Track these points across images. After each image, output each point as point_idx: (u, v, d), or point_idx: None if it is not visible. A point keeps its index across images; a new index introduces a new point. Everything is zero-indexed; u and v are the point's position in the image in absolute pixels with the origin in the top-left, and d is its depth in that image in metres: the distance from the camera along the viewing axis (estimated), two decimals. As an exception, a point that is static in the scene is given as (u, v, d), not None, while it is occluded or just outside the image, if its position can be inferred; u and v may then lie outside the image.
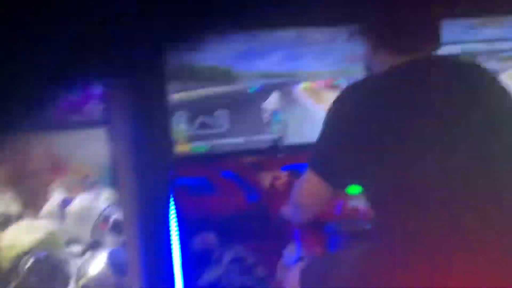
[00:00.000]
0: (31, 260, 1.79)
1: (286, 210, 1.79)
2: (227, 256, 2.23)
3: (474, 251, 1.24)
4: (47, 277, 1.76)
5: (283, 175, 2.30)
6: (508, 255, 1.26)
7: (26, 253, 1.81)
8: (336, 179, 1.38)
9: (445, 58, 1.43)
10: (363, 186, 1.40)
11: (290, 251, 1.95)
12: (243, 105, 2.55)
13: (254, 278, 2.26)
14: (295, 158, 2.43)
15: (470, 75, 1.37)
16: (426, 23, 1.37)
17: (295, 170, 2.39)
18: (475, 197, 1.27)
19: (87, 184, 2.44)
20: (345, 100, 1.38)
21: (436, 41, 1.38)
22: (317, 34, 2.53)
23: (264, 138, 2.55)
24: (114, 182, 2.69)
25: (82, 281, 1.69)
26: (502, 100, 1.36)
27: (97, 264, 1.73)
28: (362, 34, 1.45)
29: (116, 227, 2.21)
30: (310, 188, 1.41)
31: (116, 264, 1.72)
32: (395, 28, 1.37)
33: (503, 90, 1.37)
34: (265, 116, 2.58)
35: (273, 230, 2.24)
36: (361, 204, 1.85)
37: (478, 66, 1.44)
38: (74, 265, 1.91)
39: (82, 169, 2.51)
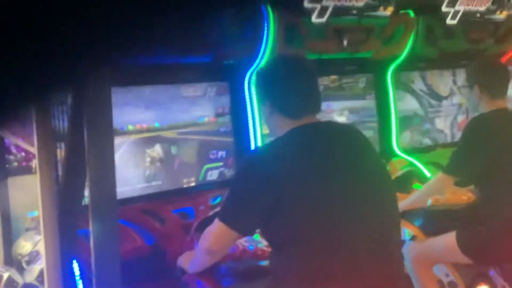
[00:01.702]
0: None
1: (185, 259, 1.93)
2: (127, 300, 2.31)
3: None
4: None
5: (175, 218, 2.48)
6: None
7: None
8: (242, 227, 1.63)
9: (330, 122, 1.80)
10: (264, 231, 1.66)
11: None
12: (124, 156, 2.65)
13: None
14: (181, 202, 2.63)
15: (348, 134, 1.72)
16: (314, 92, 1.69)
17: (185, 212, 2.59)
18: (365, 237, 1.54)
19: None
20: (252, 162, 1.65)
21: (320, 106, 1.71)
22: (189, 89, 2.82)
23: (151, 185, 2.69)
24: None
25: None
26: (373, 151, 1.74)
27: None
28: (261, 101, 1.74)
29: (10, 285, 2.17)
30: (221, 237, 1.63)
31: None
32: (287, 97, 1.65)
33: (370, 144, 1.74)
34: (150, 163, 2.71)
35: (169, 269, 2.39)
36: (249, 245, 2.10)
37: (350, 126, 1.85)
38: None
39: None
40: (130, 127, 2.68)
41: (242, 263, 1.97)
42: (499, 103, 2.53)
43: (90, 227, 1.57)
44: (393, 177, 3.04)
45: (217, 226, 1.63)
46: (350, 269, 1.52)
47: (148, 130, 2.71)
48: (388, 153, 3.54)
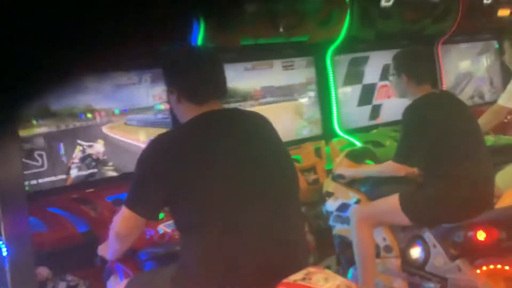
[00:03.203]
0: None
1: (104, 247, 1.96)
2: (61, 287, 2.39)
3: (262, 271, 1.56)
4: None
5: (109, 205, 2.54)
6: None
7: None
8: (145, 212, 1.67)
9: (235, 109, 1.84)
10: (171, 214, 1.71)
11: (113, 282, 2.16)
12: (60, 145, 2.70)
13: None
14: (117, 188, 2.68)
15: (250, 120, 1.77)
16: (216, 78, 1.74)
17: (119, 199, 2.65)
18: (263, 216, 1.61)
19: None
20: (153, 148, 1.68)
21: (225, 92, 1.77)
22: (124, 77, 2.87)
23: (83, 173, 2.75)
24: None
25: None
26: (275, 135, 1.78)
27: None
28: (167, 89, 1.77)
29: None
30: (127, 222, 1.68)
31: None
32: (193, 84, 1.71)
33: (273, 128, 1.80)
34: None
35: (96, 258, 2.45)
36: (168, 228, 2.17)
37: (254, 113, 1.84)
38: None
39: None
40: (89, 115, 2.74)
41: (161, 247, 2.04)
42: (425, 88, 2.68)
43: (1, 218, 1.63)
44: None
45: (122, 211, 1.69)
46: (249, 250, 1.59)
47: (107, 115, 2.78)
48: (330, 134, 3.64)
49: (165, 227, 2.09)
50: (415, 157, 2.61)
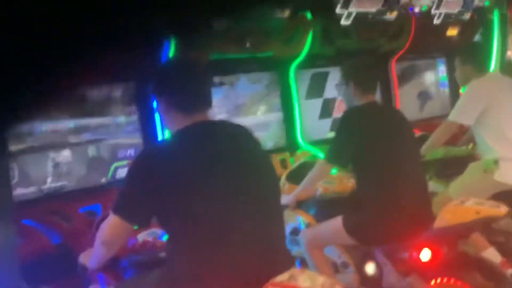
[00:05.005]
0: None
1: (86, 256, 1.97)
2: (35, 299, 2.37)
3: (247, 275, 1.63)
4: None
5: (82, 216, 2.56)
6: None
7: None
8: (134, 219, 1.72)
9: (224, 120, 1.95)
10: (158, 221, 1.76)
11: None
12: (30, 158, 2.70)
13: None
14: (89, 200, 2.71)
15: (236, 132, 1.86)
16: (206, 89, 1.82)
17: (92, 210, 2.67)
18: (250, 225, 1.69)
19: None
20: (146, 156, 1.76)
21: (211, 103, 1.84)
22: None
23: (55, 186, 2.75)
24: None
25: None
26: (259, 147, 1.89)
27: None
28: (156, 98, 1.82)
29: None
30: (114, 228, 1.73)
31: None
32: (185, 93, 1.78)
33: (257, 141, 1.89)
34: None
35: (76, 267, 2.47)
36: (149, 237, 2.22)
37: (239, 125, 1.92)
38: None
39: None
40: (44, 128, 2.74)
41: (142, 255, 2.08)
42: (370, 97, 2.72)
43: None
44: (288, 170, 3.26)
45: (111, 217, 1.74)
46: (236, 257, 1.66)
47: (62, 130, 2.78)
48: (293, 146, 3.78)
49: (146, 236, 2.13)
50: (346, 163, 2.67)
